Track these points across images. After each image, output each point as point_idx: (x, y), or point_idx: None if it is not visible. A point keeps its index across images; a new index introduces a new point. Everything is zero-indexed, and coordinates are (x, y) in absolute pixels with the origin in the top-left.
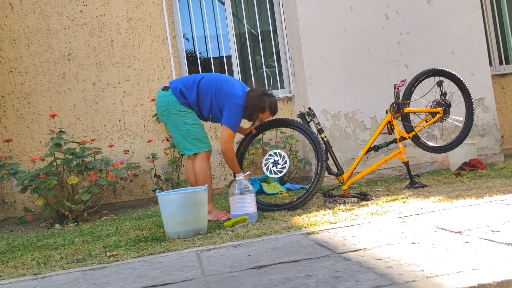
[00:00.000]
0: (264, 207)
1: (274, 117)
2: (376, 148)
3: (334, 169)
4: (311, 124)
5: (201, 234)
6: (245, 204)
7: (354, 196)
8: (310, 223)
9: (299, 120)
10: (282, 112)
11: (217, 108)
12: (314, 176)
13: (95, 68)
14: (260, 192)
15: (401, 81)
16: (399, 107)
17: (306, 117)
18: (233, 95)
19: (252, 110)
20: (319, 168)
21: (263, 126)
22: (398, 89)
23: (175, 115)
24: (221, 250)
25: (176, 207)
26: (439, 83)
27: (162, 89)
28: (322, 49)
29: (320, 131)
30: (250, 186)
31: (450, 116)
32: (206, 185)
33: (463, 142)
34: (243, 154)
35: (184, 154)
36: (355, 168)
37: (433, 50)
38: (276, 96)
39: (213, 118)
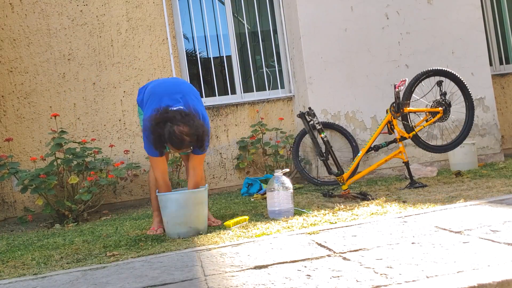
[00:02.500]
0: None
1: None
2: (376, 148)
3: (334, 169)
4: (311, 124)
5: (201, 234)
6: (280, 200)
7: (354, 196)
8: (310, 223)
9: (299, 119)
10: (283, 112)
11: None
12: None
13: (95, 68)
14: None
15: (401, 81)
16: (399, 107)
17: (306, 117)
18: (146, 113)
19: (157, 140)
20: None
21: None
22: (398, 88)
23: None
24: (221, 250)
25: (177, 207)
26: (439, 83)
27: None
28: (322, 49)
29: (320, 131)
30: (287, 183)
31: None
32: (206, 184)
33: (463, 142)
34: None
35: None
36: (355, 168)
37: (433, 50)
38: (274, 97)
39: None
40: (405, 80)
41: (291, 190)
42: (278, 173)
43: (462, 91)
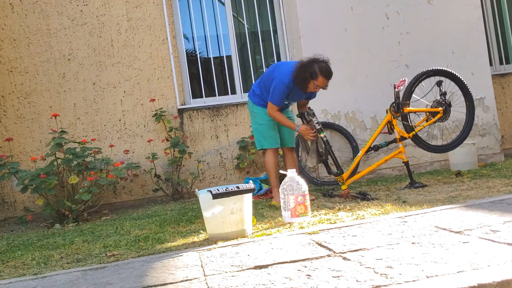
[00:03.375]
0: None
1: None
2: (376, 148)
3: (334, 169)
4: (311, 124)
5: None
6: (286, 203)
7: (353, 196)
8: (310, 223)
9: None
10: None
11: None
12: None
13: (95, 68)
14: (259, 191)
15: (401, 81)
16: (399, 107)
17: (306, 116)
18: (278, 74)
19: (301, 80)
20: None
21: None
22: (398, 88)
23: (251, 115)
24: (221, 250)
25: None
26: (439, 83)
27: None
28: (322, 49)
29: (320, 130)
30: (295, 185)
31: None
32: (251, 182)
33: (464, 142)
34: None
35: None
36: (354, 168)
37: (433, 50)
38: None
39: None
40: (404, 80)
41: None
42: (291, 173)
43: (462, 91)
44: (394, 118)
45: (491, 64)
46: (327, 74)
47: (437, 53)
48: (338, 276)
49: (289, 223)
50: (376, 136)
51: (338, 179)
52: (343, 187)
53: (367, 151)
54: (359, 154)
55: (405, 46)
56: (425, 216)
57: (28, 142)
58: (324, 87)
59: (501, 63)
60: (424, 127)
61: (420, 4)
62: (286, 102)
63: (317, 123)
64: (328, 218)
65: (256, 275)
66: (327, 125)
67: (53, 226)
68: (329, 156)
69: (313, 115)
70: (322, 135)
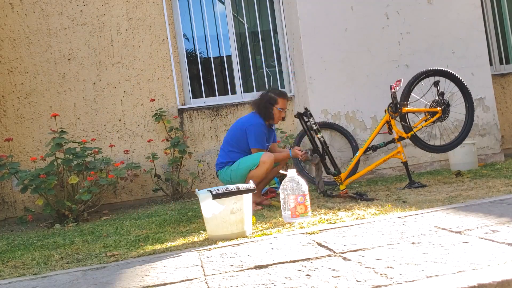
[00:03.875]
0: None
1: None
2: (374, 148)
3: (332, 169)
4: (308, 124)
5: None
6: (286, 203)
7: (351, 196)
8: (310, 223)
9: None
10: None
11: (246, 144)
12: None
13: (95, 68)
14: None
15: (397, 81)
16: (396, 107)
17: (303, 117)
18: (248, 122)
19: (266, 111)
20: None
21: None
22: (394, 89)
23: (235, 171)
24: (221, 250)
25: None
26: (436, 83)
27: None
28: (322, 49)
29: (317, 131)
30: (295, 185)
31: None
32: (251, 182)
33: (463, 142)
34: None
35: None
36: (353, 168)
37: (433, 49)
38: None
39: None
40: (400, 81)
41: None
42: (291, 173)
43: (461, 91)
44: (392, 118)
45: (491, 64)
46: (282, 93)
47: (437, 53)
48: (338, 276)
49: (289, 223)
50: (374, 136)
51: (336, 179)
52: (341, 187)
53: (365, 151)
54: (357, 154)
55: (405, 46)
56: (425, 216)
57: (28, 142)
58: (285, 110)
59: (501, 63)
60: (423, 127)
61: (420, 4)
62: (267, 144)
63: (314, 123)
64: (328, 218)
65: (256, 275)
66: (327, 125)
67: (53, 226)
68: (326, 156)
69: (310, 115)
70: (319, 135)
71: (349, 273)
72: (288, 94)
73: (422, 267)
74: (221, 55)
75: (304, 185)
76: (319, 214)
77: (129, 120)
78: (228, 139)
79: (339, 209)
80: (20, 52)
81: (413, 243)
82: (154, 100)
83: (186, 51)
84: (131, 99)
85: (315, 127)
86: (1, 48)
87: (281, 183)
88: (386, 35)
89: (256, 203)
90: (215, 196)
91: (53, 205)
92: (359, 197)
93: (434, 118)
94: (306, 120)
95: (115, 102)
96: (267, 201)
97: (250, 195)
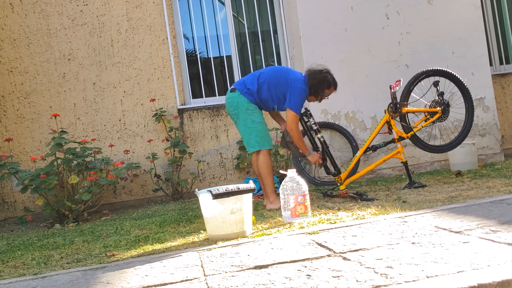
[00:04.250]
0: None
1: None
2: (374, 148)
3: (332, 169)
4: (308, 124)
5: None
6: (286, 203)
7: (351, 196)
8: (310, 223)
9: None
10: (283, 112)
11: (281, 96)
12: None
13: (95, 68)
14: (259, 191)
15: (396, 81)
16: (396, 107)
17: (303, 117)
18: (296, 80)
19: (318, 87)
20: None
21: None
22: (394, 89)
23: (243, 113)
24: (221, 250)
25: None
26: (435, 83)
27: (230, 91)
28: (322, 48)
29: (317, 131)
30: (295, 185)
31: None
32: (251, 182)
33: (463, 142)
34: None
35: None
36: (353, 168)
37: (433, 50)
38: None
39: (279, 107)
40: (399, 81)
41: (298, 193)
42: (291, 173)
43: (461, 92)
44: (392, 118)
45: (491, 64)
46: (336, 84)
47: (437, 53)
48: (338, 276)
49: (289, 223)
50: (374, 136)
51: (336, 179)
52: (341, 187)
53: (365, 151)
54: (357, 155)
55: (405, 46)
56: (425, 216)
57: (28, 142)
58: (328, 96)
59: (501, 63)
60: (423, 127)
61: (420, 4)
62: (275, 107)
63: (314, 123)
64: (328, 218)
65: (256, 275)
66: (327, 125)
67: (53, 226)
68: (326, 156)
69: (310, 115)
70: (319, 135)
71: (349, 273)
72: None
73: (422, 267)
74: (221, 55)
75: (304, 185)
76: (319, 214)
77: (129, 120)
78: (267, 77)
79: (339, 209)
80: (20, 52)
81: (413, 243)
82: (154, 100)
83: (186, 51)
84: (131, 99)
85: (315, 127)
86: (1, 48)
87: (281, 183)
88: (386, 35)
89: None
90: (215, 196)
91: (53, 205)
92: (359, 197)
93: (434, 118)
94: (306, 120)
95: (115, 102)
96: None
97: (250, 195)
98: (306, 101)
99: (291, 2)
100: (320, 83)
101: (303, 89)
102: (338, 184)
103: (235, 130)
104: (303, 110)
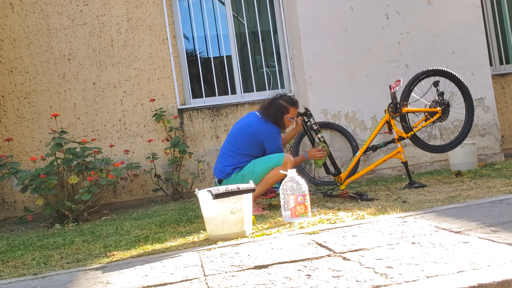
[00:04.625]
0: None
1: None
2: (374, 148)
3: (332, 169)
4: (308, 124)
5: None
6: (286, 203)
7: (351, 196)
8: (310, 223)
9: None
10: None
11: (260, 148)
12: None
13: (95, 68)
14: None
15: (396, 81)
16: (396, 107)
17: (304, 117)
18: (262, 129)
19: (278, 119)
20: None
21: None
22: (393, 89)
23: (250, 173)
24: (221, 250)
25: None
26: (435, 83)
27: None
28: (322, 48)
29: (317, 131)
30: (295, 185)
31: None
32: (251, 182)
33: (463, 142)
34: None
35: None
36: (353, 168)
37: (433, 50)
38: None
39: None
40: (399, 81)
41: (298, 193)
42: (291, 173)
43: (461, 92)
44: (392, 118)
45: (491, 64)
46: (293, 103)
47: (437, 53)
48: (338, 276)
49: (289, 223)
50: (374, 136)
51: (336, 179)
52: (342, 187)
53: (365, 151)
54: (357, 155)
55: (405, 46)
56: (425, 216)
57: (28, 142)
58: (294, 118)
59: (501, 63)
60: (423, 127)
61: (420, 4)
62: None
63: (314, 123)
64: (328, 218)
65: (256, 275)
66: (327, 125)
67: (53, 226)
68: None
69: (310, 115)
70: (319, 135)
71: (349, 273)
72: (288, 94)
73: (422, 267)
74: (221, 55)
75: (304, 185)
76: (319, 214)
77: (129, 120)
78: (237, 144)
79: (339, 209)
80: (20, 52)
81: (413, 243)
82: (154, 100)
83: (186, 51)
84: (131, 99)
85: (315, 127)
86: (1, 48)
87: (281, 183)
88: (386, 35)
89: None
90: (215, 196)
91: (53, 205)
92: (359, 197)
93: (434, 118)
94: (306, 120)
95: (115, 102)
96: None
97: (250, 195)
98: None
99: (291, 2)
100: (276, 114)
101: (273, 132)
102: (338, 184)
103: None
104: (303, 110)
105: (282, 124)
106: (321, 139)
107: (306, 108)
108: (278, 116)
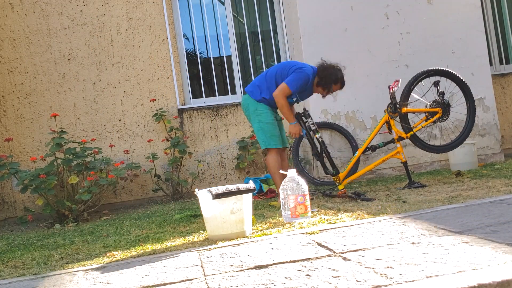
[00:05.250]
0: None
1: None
2: (373, 148)
3: (331, 169)
4: (307, 124)
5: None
6: (286, 203)
7: (349, 196)
8: (310, 223)
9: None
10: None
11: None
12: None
13: (95, 68)
14: (259, 191)
15: (395, 82)
16: (395, 107)
17: (302, 117)
18: (301, 66)
19: (327, 80)
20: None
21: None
22: (392, 90)
23: (253, 114)
24: (221, 250)
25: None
26: (436, 83)
27: (243, 94)
28: (322, 49)
29: (316, 131)
30: (295, 185)
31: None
32: (251, 182)
33: (463, 142)
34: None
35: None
36: (351, 168)
37: (433, 50)
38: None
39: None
40: (398, 81)
41: (297, 193)
42: (291, 174)
43: (463, 91)
44: (391, 118)
45: (491, 64)
46: (343, 83)
47: (437, 53)
48: (338, 276)
49: (289, 223)
50: (373, 136)
51: (335, 179)
52: (340, 187)
53: (364, 152)
54: (356, 155)
55: (405, 46)
56: (425, 216)
57: (28, 142)
58: (331, 94)
59: (501, 63)
60: (423, 127)
61: (420, 4)
62: (295, 99)
63: (312, 123)
64: (328, 218)
65: (256, 275)
66: (327, 125)
67: (53, 226)
68: (324, 156)
69: (308, 116)
70: (317, 135)
71: (349, 273)
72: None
73: (422, 267)
74: (221, 55)
75: (304, 185)
76: (319, 214)
77: (129, 120)
78: (274, 70)
79: (339, 209)
80: (20, 52)
81: (413, 243)
82: (154, 100)
83: (186, 51)
84: (131, 99)
85: (313, 128)
86: (1, 48)
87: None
88: (386, 35)
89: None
90: (215, 196)
91: (53, 205)
92: (358, 197)
93: (434, 118)
94: (305, 120)
95: (115, 102)
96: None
97: (250, 195)
98: (311, 96)
99: (291, 2)
100: (328, 77)
101: (306, 73)
102: (337, 184)
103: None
104: (301, 111)
105: (326, 87)
106: (319, 139)
107: (304, 109)
108: (328, 80)
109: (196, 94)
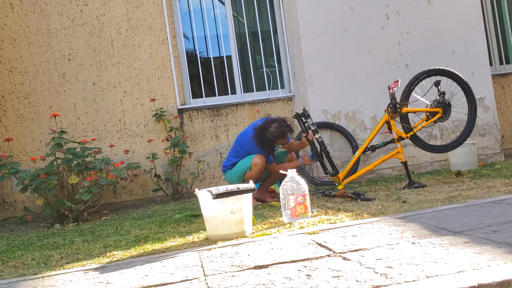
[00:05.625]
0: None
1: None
2: (373, 148)
3: (330, 169)
4: (306, 125)
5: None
6: (286, 203)
7: (348, 196)
8: (310, 223)
9: (295, 120)
10: (283, 112)
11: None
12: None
13: (95, 68)
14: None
15: (394, 82)
16: (395, 107)
17: (302, 118)
18: (249, 147)
19: (270, 146)
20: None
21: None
22: (392, 90)
23: (233, 175)
24: (221, 250)
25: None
26: (437, 83)
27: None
28: (322, 49)
29: (315, 131)
30: (295, 185)
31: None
32: (251, 182)
33: (463, 142)
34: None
35: None
36: (351, 168)
37: (433, 50)
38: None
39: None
40: (397, 81)
41: (298, 193)
42: (291, 173)
43: (464, 91)
44: (391, 118)
45: (491, 64)
46: (282, 135)
47: (437, 53)
48: (338, 276)
49: (289, 223)
50: (373, 136)
51: (334, 179)
52: (340, 187)
53: (364, 152)
54: (355, 155)
55: (405, 46)
56: (424, 216)
57: (28, 142)
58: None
59: (501, 63)
60: (423, 127)
61: (420, 4)
62: (271, 156)
63: (312, 124)
64: (328, 218)
65: (256, 275)
66: (327, 125)
67: (53, 226)
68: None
69: (308, 116)
70: (317, 135)
71: (349, 273)
72: (288, 94)
73: (422, 267)
74: (221, 55)
75: (304, 185)
76: (319, 214)
77: (129, 120)
78: (231, 150)
79: (339, 209)
80: (20, 52)
81: (413, 243)
82: (154, 100)
83: (186, 51)
84: (131, 99)
85: (313, 128)
86: (1, 48)
87: (281, 183)
88: (386, 35)
89: (256, 199)
90: (215, 196)
91: (53, 205)
92: (357, 197)
93: (435, 118)
94: (304, 120)
95: (115, 102)
96: (270, 199)
97: (250, 195)
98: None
99: (291, 2)
100: (266, 143)
101: (257, 150)
102: (336, 184)
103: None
104: (301, 111)
105: (271, 148)
106: (319, 140)
107: (304, 109)
108: (269, 144)
109: (196, 94)
